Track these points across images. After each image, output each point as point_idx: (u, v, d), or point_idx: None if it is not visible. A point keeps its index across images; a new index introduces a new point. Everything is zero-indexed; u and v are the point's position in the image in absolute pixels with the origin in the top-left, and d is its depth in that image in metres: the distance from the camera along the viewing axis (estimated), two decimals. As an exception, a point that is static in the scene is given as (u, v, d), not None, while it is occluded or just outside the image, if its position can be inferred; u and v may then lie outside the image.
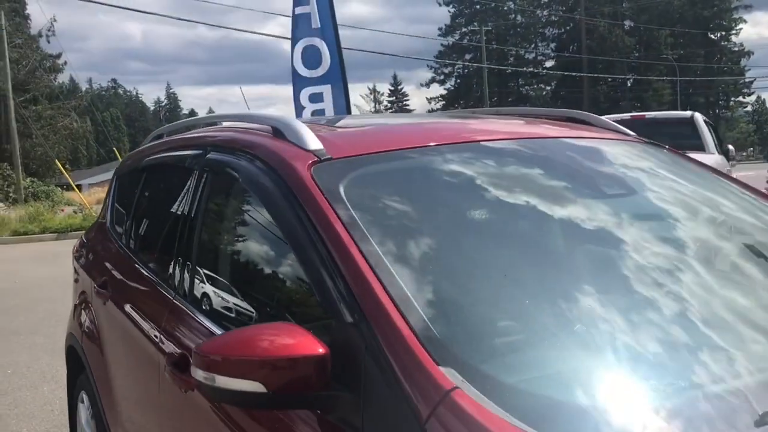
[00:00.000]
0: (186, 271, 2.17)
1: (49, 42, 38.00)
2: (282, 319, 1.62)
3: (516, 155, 2.04)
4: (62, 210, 20.66)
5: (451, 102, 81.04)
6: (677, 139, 9.42)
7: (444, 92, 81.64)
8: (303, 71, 9.57)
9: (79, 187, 26.46)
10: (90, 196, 27.10)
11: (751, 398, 1.22)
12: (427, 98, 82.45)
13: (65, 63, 39.74)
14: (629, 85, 73.72)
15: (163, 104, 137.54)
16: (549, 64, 78.35)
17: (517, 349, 1.35)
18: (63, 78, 70.43)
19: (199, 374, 1.40)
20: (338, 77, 9.44)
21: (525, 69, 74.59)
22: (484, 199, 1.81)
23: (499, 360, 1.31)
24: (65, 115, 33.15)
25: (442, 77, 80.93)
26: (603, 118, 2.63)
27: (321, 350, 1.33)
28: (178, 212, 2.34)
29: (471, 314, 1.43)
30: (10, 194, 26.71)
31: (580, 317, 1.43)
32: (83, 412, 3.23)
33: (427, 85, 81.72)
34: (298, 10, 9.56)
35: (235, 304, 1.91)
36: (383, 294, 1.37)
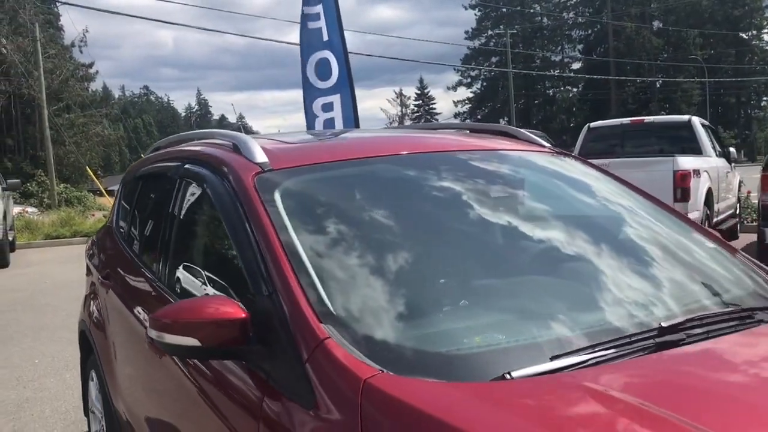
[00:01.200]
0: (166, 263, 2.64)
1: (81, 52, 39.15)
2: (226, 294, 2.07)
3: (423, 164, 2.48)
4: (93, 214, 21.43)
5: (478, 105, 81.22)
6: (675, 143, 9.74)
7: (470, 95, 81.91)
8: (316, 83, 10.08)
9: (110, 192, 27.28)
10: (120, 201, 27.83)
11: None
12: (453, 101, 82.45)
13: (96, 72, 40.92)
14: (658, 86, 73.18)
15: (194, 110, 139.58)
16: (576, 66, 78.15)
17: (379, 313, 1.78)
18: (96, 86, 72.23)
19: (153, 333, 1.86)
20: (346, 86, 9.94)
21: (549, 72, 74.31)
22: (387, 201, 2.26)
23: (364, 320, 1.74)
24: (97, 123, 34.18)
25: (468, 80, 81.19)
26: (524, 131, 3.03)
27: (243, 315, 1.78)
28: (163, 214, 2.81)
29: (355, 290, 1.87)
30: (45, 200, 27.65)
31: (434, 290, 1.87)
32: (93, 388, 3.72)
33: (454, 88, 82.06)
34: (311, 25, 10.08)
35: (196, 284, 2.37)
36: (291, 275, 1.81)
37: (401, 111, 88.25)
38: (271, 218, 2.01)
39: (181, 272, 2.52)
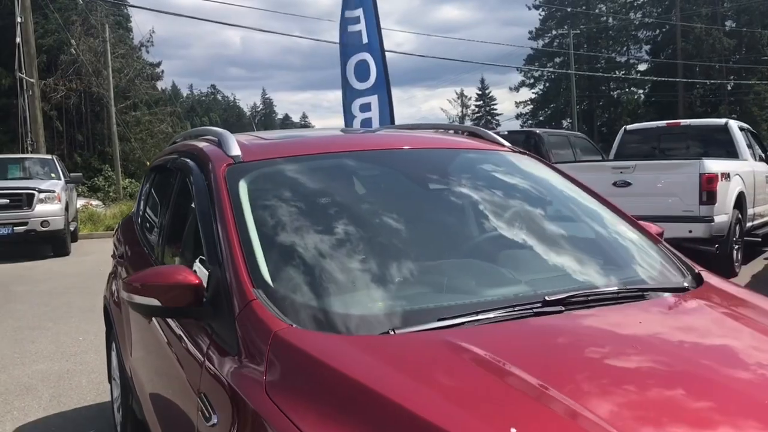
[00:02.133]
0: (160, 242, 3.04)
1: (148, 52, 40.70)
2: (191, 265, 2.44)
3: (375, 159, 2.80)
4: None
5: (541, 106, 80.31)
6: (711, 146, 9.74)
7: (533, 96, 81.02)
8: (355, 84, 10.49)
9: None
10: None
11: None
12: (516, 102, 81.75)
13: (162, 71, 42.45)
14: (729, 89, 70.98)
15: (259, 109, 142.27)
16: (642, 67, 76.47)
17: (302, 282, 2.12)
18: (166, 84, 74.58)
19: (124, 295, 2.25)
20: (383, 87, 10.30)
21: (613, 74, 72.87)
22: (335, 191, 2.60)
23: (289, 287, 2.08)
24: (161, 121, 35.48)
25: (531, 81, 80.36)
26: (491, 132, 3.31)
27: (196, 281, 2.14)
28: (162, 200, 3.22)
29: (288, 263, 2.21)
30: (110, 193, 28.94)
31: (352, 264, 2.20)
32: (114, 358, 4.17)
33: (517, 89, 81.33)
34: (351, 28, 10.48)
35: (172, 258, 2.75)
36: (237, 249, 2.17)
37: (462, 111, 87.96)
38: (231, 201, 2.37)
39: (165, 248, 2.91)
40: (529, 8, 77.59)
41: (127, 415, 3.73)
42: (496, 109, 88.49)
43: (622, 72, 76.50)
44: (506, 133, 12.27)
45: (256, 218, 2.34)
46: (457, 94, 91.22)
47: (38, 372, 5.74)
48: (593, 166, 9.30)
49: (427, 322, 1.91)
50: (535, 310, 1.99)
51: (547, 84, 79.67)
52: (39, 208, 12.79)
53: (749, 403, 1.58)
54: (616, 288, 2.21)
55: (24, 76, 18.96)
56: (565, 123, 71.64)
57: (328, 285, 2.13)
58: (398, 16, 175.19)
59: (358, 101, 10.53)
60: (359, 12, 10.48)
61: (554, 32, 77.20)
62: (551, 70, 70.58)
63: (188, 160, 2.94)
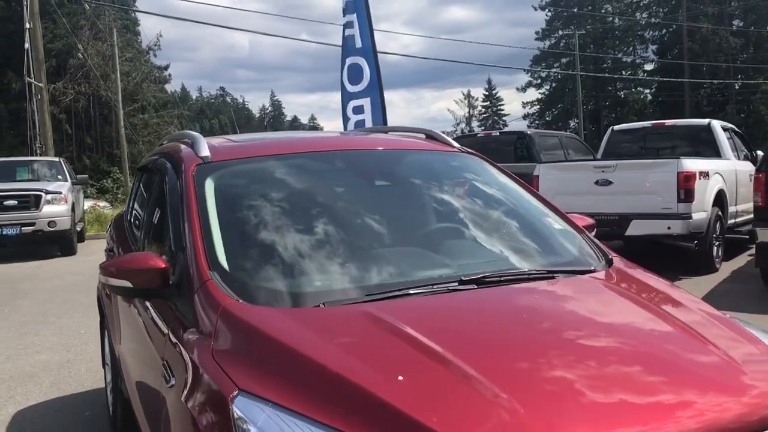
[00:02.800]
0: (143, 234, 3.38)
1: (155, 56, 41.19)
2: (163, 253, 2.78)
3: (330, 159, 3.14)
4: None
5: (548, 106, 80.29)
6: (696, 146, 10.02)
7: (540, 96, 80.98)
8: (348, 86, 10.84)
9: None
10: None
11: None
12: (522, 103, 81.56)
13: (169, 74, 42.96)
14: (736, 88, 70.84)
15: (268, 111, 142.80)
16: (649, 67, 76.39)
17: (252, 265, 2.46)
18: (175, 87, 74.90)
19: (102, 278, 2.59)
20: (376, 90, 10.65)
21: (618, 75, 72.79)
22: (290, 186, 2.93)
23: (241, 269, 2.42)
24: (169, 123, 35.97)
25: (538, 81, 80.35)
26: (442, 134, 3.62)
27: (163, 265, 2.48)
28: (145, 196, 3.56)
29: (242, 249, 2.55)
30: (119, 195, 29.40)
31: (297, 250, 2.52)
32: (106, 344, 4.52)
33: (524, 89, 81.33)
34: (347, 32, 10.85)
35: (150, 248, 3.09)
36: (199, 237, 2.50)
37: (468, 112, 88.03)
38: (197, 197, 2.71)
39: (146, 240, 3.26)
40: (535, 9, 77.63)
41: (116, 396, 4.08)
42: (503, 110, 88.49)
43: (628, 72, 76.41)
44: (498, 134, 12.59)
45: (218, 211, 2.67)
46: (464, 94, 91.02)
47: (40, 362, 6.10)
48: (576, 165, 9.61)
49: (356, 298, 2.24)
50: (449, 288, 2.32)
51: (554, 84, 79.62)
52: (46, 209, 13.20)
53: (601, 352, 1.92)
54: (527, 269, 2.54)
55: (33, 80, 19.42)
56: (572, 123, 71.67)
57: (273, 268, 2.47)
58: (406, 16, 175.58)
59: (352, 103, 10.89)
60: (353, 17, 10.84)
61: (560, 33, 77.13)
62: (556, 71, 70.56)
63: (166, 161, 3.29)
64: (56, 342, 6.78)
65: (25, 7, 19.26)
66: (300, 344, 1.96)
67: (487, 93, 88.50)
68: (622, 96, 78.85)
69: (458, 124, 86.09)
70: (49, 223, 13.12)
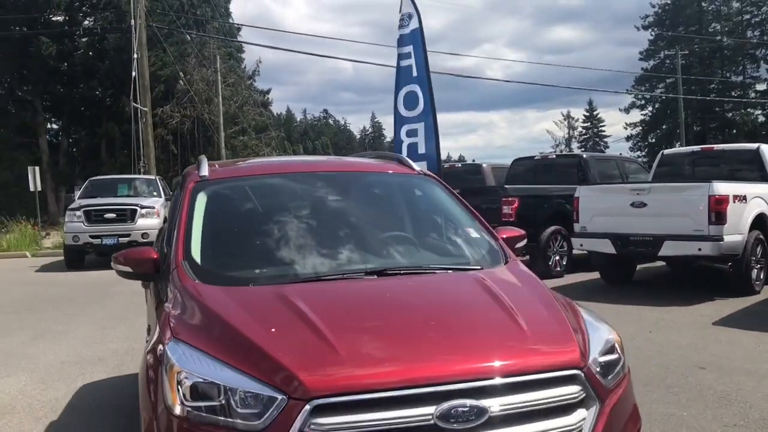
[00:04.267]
0: (162, 235, 4.29)
1: (255, 81, 43.54)
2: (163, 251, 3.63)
3: (306, 179, 3.92)
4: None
5: (652, 128, 78.09)
6: (742, 170, 10.19)
7: (643, 118, 78.88)
8: (404, 112, 11.69)
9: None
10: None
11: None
12: (625, 124, 79.41)
13: (270, 99, 45.17)
14: None
15: (368, 132, 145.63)
16: (761, 87, 73.08)
17: (212, 256, 3.27)
18: (280, 108, 77.73)
19: (113, 265, 3.48)
20: (429, 115, 11.45)
21: (728, 96, 70.09)
22: (265, 199, 3.74)
23: (204, 259, 3.23)
24: (267, 144, 37.91)
25: (642, 102, 78.36)
26: (409, 160, 4.32)
27: (155, 256, 3.35)
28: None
29: (209, 245, 3.36)
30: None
31: (250, 247, 3.32)
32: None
33: (627, 110, 79.48)
34: (403, 63, 11.71)
35: (160, 245, 3.98)
36: (182, 236, 3.35)
37: (568, 133, 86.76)
38: (189, 206, 3.57)
39: (160, 238, 4.16)
40: (638, 29, 75.93)
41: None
42: (604, 131, 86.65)
43: (737, 92, 73.35)
44: (554, 156, 13.02)
45: (204, 216, 3.52)
46: (563, 115, 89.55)
47: (110, 349, 7.18)
48: (613, 187, 9.97)
49: (278, 282, 3.01)
50: (355, 277, 3.06)
51: (657, 105, 77.41)
52: (140, 222, 14.70)
53: (420, 317, 2.66)
54: (423, 265, 3.24)
55: (138, 105, 21.34)
56: (677, 144, 69.46)
57: (229, 260, 3.29)
58: (509, 38, 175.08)
59: (406, 127, 11.70)
60: (410, 48, 11.69)
61: (664, 53, 75.05)
62: (659, 94, 68.67)
63: (182, 179, 4.18)
64: (127, 334, 7.86)
65: (133, 39, 21.25)
66: (218, 308, 2.77)
67: (587, 114, 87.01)
68: (731, 117, 75.77)
69: (557, 146, 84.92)
70: (143, 235, 14.56)
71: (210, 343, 2.55)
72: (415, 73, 11.63)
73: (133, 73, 20.90)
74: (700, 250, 8.63)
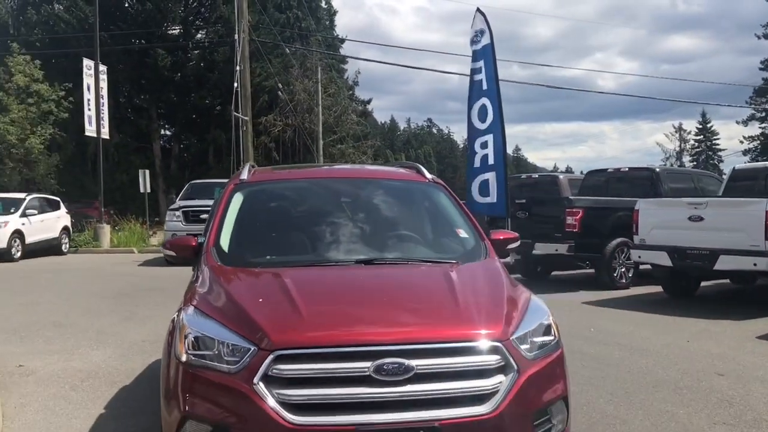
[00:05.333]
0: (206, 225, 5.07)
1: (353, 92, 44.85)
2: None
3: (326, 184, 4.59)
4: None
5: (770, 141, 74.11)
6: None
7: (762, 131, 75.00)
8: (477, 124, 12.24)
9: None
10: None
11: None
12: (743, 137, 75.30)
13: (371, 108, 46.33)
14: None
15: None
16: None
17: (235, 245, 3.97)
18: (385, 118, 78.94)
19: (162, 250, 4.33)
20: (498, 127, 11.96)
21: None
22: (290, 200, 4.43)
23: (229, 247, 3.94)
24: (363, 153, 39.01)
25: (762, 114, 74.60)
26: (422, 168, 4.89)
27: (194, 243, 4.10)
28: None
29: (235, 236, 4.06)
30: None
31: (266, 238, 4.02)
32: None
33: (745, 122, 75.84)
34: (475, 77, 12.25)
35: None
36: (215, 228, 4.08)
37: (680, 146, 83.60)
38: (225, 203, 4.29)
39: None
40: (759, 37, 72.46)
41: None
42: (718, 144, 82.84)
43: None
44: (627, 169, 13.14)
45: (238, 214, 4.23)
46: (674, 128, 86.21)
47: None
48: (671, 201, 10.06)
49: (280, 266, 3.68)
50: (346, 265, 3.69)
51: (776, 118, 73.35)
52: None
53: (382, 295, 3.30)
54: (406, 257, 3.83)
55: (240, 114, 22.74)
56: (798, 160, 65.69)
57: (249, 247, 3.99)
58: (623, 47, 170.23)
59: (479, 139, 12.20)
60: (481, 63, 12.20)
61: (788, 63, 71.03)
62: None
63: (228, 180, 4.94)
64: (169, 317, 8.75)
65: (236, 52, 22.69)
66: (227, 283, 3.47)
67: (700, 126, 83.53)
68: None
69: (667, 158, 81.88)
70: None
71: (214, 308, 3.24)
72: (485, 87, 12.12)
73: (235, 85, 22.30)
74: (755, 265, 8.66)
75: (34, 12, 35.49)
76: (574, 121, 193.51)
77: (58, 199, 21.87)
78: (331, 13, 47.29)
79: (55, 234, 20.21)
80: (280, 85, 33.06)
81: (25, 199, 19.55)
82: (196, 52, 38.51)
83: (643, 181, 12.40)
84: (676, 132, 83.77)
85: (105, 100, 24.73)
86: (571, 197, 11.78)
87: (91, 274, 14.95)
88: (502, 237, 4.35)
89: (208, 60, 37.03)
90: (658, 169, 12.49)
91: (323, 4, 45.26)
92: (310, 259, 3.84)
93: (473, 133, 12.51)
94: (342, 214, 4.34)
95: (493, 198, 11.97)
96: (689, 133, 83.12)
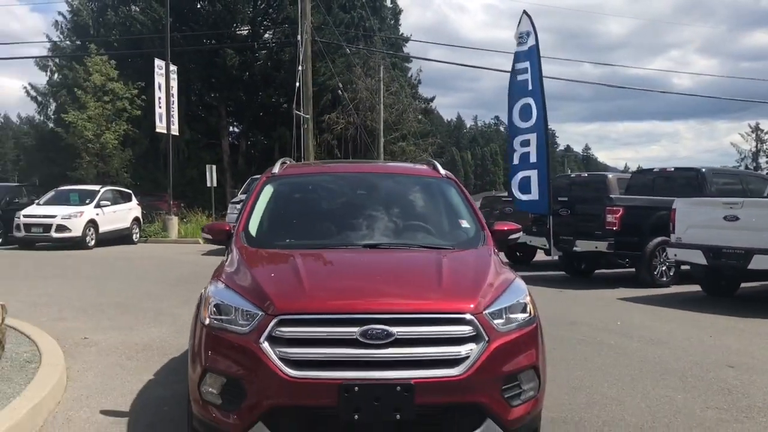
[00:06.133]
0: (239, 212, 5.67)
1: (415, 90, 45.33)
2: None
3: (346, 178, 5.14)
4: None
5: None
6: None
7: None
8: (519, 123, 12.64)
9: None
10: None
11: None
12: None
13: (434, 106, 46.67)
14: None
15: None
16: None
17: (261, 230, 4.54)
18: (451, 115, 78.88)
19: (201, 233, 4.89)
20: (541, 126, 12.31)
21: None
22: (313, 191, 4.99)
23: (255, 231, 4.52)
24: (423, 150, 39.44)
25: None
26: (437, 164, 5.35)
27: (227, 228, 4.71)
28: None
29: (261, 222, 4.63)
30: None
31: (289, 224, 4.59)
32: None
33: (832, 121, 72.66)
34: (519, 77, 12.64)
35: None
36: (246, 215, 4.68)
37: (756, 146, 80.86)
38: (257, 193, 4.87)
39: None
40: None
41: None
42: (797, 145, 79.55)
43: None
44: (673, 170, 13.22)
45: (266, 202, 4.80)
46: (751, 128, 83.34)
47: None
48: (707, 201, 10.17)
49: (296, 248, 4.22)
50: (354, 249, 4.20)
51: None
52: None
53: (378, 272, 3.81)
54: (408, 243, 4.32)
55: (301, 113, 23.56)
56: None
57: (272, 232, 4.56)
58: (700, 43, 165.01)
59: (519, 138, 12.55)
60: (526, 64, 12.54)
61: None
62: None
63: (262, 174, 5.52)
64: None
65: (299, 53, 23.50)
66: (248, 261, 4.04)
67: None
68: None
69: (742, 159, 79.32)
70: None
71: (234, 282, 3.80)
72: (530, 87, 12.46)
73: (297, 84, 23.10)
74: (789, 264, 8.77)
75: (113, 14, 37.27)
76: (648, 120, 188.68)
77: (130, 191, 23.17)
78: (396, 12, 47.86)
79: (127, 224, 21.46)
80: (340, 85, 33.74)
81: (99, 191, 20.84)
82: (263, 51, 39.63)
83: (689, 182, 12.48)
84: (752, 132, 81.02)
85: (175, 99, 25.96)
86: (612, 196, 11.97)
87: (157, 262, 15.94)
88: (505, 228, 4.78)
89: (275, 59, 38.07)
90: (704, 170, 12.53)
91: (388, 3, 45.86)
92: (323, 242, 4.37)
93: (514, 131, 12.88)
94: (357, 204, 4.86)
95: (534, 195, 12.30)
96: (767, 133, 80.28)
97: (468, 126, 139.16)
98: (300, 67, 23.37)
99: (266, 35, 40.08)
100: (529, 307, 3.76)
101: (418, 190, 5.12)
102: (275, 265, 4.02)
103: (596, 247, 11.66)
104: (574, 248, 12.00)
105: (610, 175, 15.07)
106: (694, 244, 9.84)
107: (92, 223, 19.62)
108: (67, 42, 38.95)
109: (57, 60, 37.63)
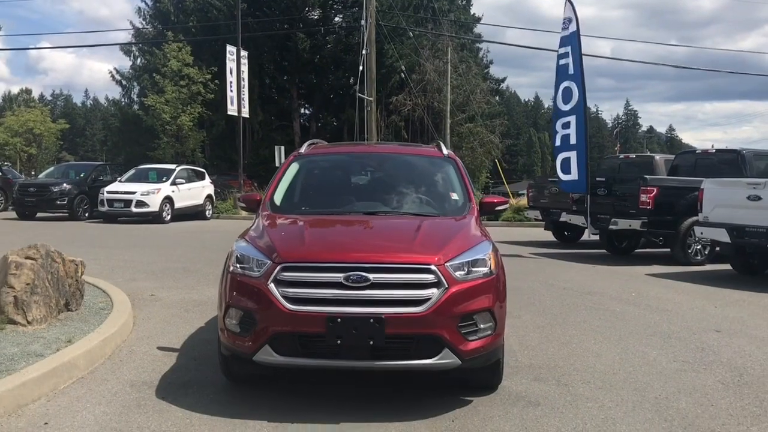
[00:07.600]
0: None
1: (487, 70, 45.61)
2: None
3: (359, 157, 6.06)
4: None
5: None
6: None
7: None
8: (561, 105, 13.24)
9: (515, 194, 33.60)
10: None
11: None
12: None
13: (506, 86, 46.66)
14: None
15: (621, 120, 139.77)
16: None
17: (284, 201, 5.52)
18: (529, 95, 77.75)
19: (237, 202, 5.98)
20: (581, 110, 12.88)
21: None
22: (332, 169, 5.95)
23: (279, 202, 5.48)
24: (491, 132, 39.69)
25: None
26: (441, 144, 6.18)
27: (258, 198, 5.70)
28: None
29: (284, 194, 5.59)
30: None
31: (307, 196, 5.56)
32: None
33: None
34: (561, 61, 13.21)
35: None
36: (273, 188, 5.66)
37: None
38: (283, 170, 5.82)
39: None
40: None
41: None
42: None
43: None
44: (714, 151, 13.50)
45: (292, 178, 5.74)
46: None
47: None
48: (732, 181, 10.51)
49: (306, 214, 5.15)
50: (356, 215, 5.10)
51: None
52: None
53: (357, 235, 4.76)
54: (402, 211, 5.18)
55: (364, 96, 24.50)
56: None
57: (293, 201, 5.50)
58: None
59: (561, 120, 13.14)
60: (568, 48, 13.08)
61: None
62: None
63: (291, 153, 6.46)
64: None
65: (363, 37, 24.40)
66: (267, 223, 4.99)
67: None
68: None
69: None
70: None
71: (254, 239, 4.76)
72: (571, 71, 13.00)
73: (360, 68, 24.04)
74: (807, 243, 9.13)
75: (192, 0, 39.08)
76: (739, 99, 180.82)
77: (203, 170, 24.73)
78: (468, -9, 47.99)
79: (200, 201, 22.99)
80: (403, 68, 34.46)
81: (175, 169, 22.43)
82: (333, 35, 40.72)
83: (730, 163, 12.76)
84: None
85: (245, 83, 27.35)
86: (646, 176, 12.39)
87: (223, 235, 17.20)
88: (494, 200, 5.58)
89: (344, 43, 39.08)
90: (744, 151, 12.78)
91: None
92: (331, 210, 5.30)
93: (557, 113, 13.46)
94: (365, 179, 5.75)
95: (574, 176, 12.88)
96: None
97: (546, 106, 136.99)
98: (364, 51, 24.27)
99: (336, 18, 41.12)
100: (490, 262, 4.54)
101: (420, 168, 5.95)
102: (287, 226, 4.97)
103: (630, 225, 12.13)
104: (611, 227, 12.51)
105: (657, 157, 15.40)
106: (719, 223, 10.26)
107: (168, 200, 21.19)
108: (149, 28, 41.04)
109: (140, 45, 39.79)
